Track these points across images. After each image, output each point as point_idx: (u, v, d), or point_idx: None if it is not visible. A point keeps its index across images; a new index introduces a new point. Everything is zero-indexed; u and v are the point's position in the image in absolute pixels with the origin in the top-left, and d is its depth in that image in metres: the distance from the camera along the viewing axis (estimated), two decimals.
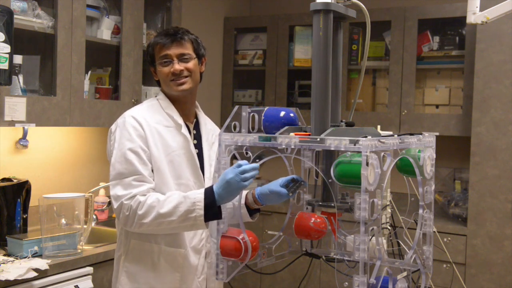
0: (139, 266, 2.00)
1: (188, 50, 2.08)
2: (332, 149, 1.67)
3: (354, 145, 1.59)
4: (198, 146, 2.12)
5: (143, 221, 1.88)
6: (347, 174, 1.67)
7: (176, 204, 1.87)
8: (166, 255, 2.00)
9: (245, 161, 1.79)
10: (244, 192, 2.10)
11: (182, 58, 2.06)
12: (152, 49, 2.09)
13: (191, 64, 2.07)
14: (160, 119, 2.05)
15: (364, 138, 1.57)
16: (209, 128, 2.19)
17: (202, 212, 1.85)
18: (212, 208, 1.84)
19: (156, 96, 2.17)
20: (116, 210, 1.92)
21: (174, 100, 2.11)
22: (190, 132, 2.11)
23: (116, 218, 1.97)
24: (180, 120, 2.08)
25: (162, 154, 2.00)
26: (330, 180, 1.77)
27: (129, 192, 1.90)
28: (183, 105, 2.12)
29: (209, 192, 1.85)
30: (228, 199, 1.83)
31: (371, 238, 1.68)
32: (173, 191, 1.94)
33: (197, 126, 2.16)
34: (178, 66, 2.04)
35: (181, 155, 2.04)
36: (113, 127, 2.05)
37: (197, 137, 2.14)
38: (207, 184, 2.07)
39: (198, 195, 1.86)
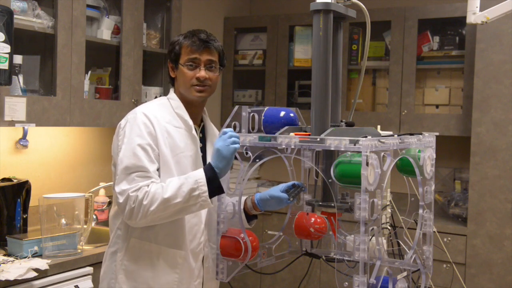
0: (138, 265, 1.99)
1: (216, 59, 2.08)
2: (332, 149, 1.67)
3: (354, 145, 1.59)
4: (203, 149, 2.12)
5: (150, 209, 1.87)
6: (347, 174, 1.67)
7: (179, 186, 1.88)
8: (166, 256, 2.00)
9: (228, 129, 1.89)
10: (243, 198, 2.10)
11: (209, 66, 2.06)
12: (180, 48, 2.07)
13: (214, 75, 2.07)
14: (170, 119, 2.04)
15: (364, 138, 1.57)
16: (213, 134, 2.19)
17: (205, 188, 1.87)
18: (214, 181, 1.88)
19: (165, 96, 2.16)
20: (122, 204, 1.90)
21: (185, 102, 2.10)
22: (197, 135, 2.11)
23: (121, 213, 1.95)
24: (191, 122, 2.07)
25: (170, 154, 1.99)
26: (330, 180, 1.77)
27: (135, 185, 1.90)
28: (193, 108, 2.11)
29: (207, 168, 1.90)
30: (226, 167, 1.89)
31: (371, 238, 1.68)
32: (172, 177, 1.95)
33: (203, 130, 2.17)
34: (204, 73, 2.03)
35: (187, 157, 2.03)
36: (122, 122, 2.03)
37: (202, 141, 2.14)
38: None
39: (198, 172, 1.90)
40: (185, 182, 1.89)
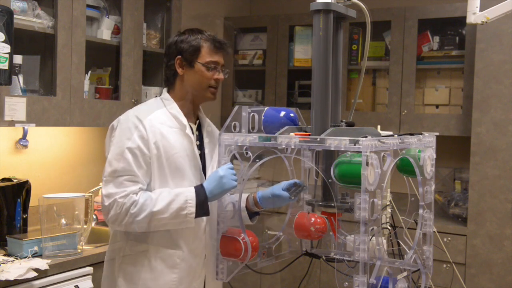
0: (137, 267, 1.99)
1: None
2: (332, 149, 1.67)
3: (354, 145, 1.59)
4: (200, 147, 2.10)
5: (136, 219, 1.88)
6: (347, 174, 1.67)
7: (168, 202, 1.90)
8: (164, 257, 1.99)
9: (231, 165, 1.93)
10: (245, 195, 2.09)
11: (222, 70, 2.10)
12: (199, 48, 2.05)
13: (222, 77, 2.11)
14: (164, 120, 2.02)
15: (364, 138, 1.57)
16: (210, 130, 2.17)
17: (193, 209, 1.91)
18: (203, 205, 1.92)
19: (157, 96, 2.15)
20: (107, 207, 1.90)
21: (188, 101, 2.09)
22: (193, 133, 2.09)
23: (104, 216, 1.95)
24: (185, 121, 2.05)
25: (163, 156, 1.97)
26: (330, 180, 1.77)
27: (122, 190, 1.89)
28: (190, 106, 2.10)
29: (199, 190, 1.92)
30: (219, 195, 1.92)
31: (371, 238, 1.68)
32: (162, 189, 1.96)
33: (199, 128, 2.14)
34: (222, 76, 2.08)
35: (184, 157, 2.01)
36: (115, 123, 2.02)
37: (199, 139, 2.12)
38: None
39: (190, 193, 1.92)
40: (175, 199, 1.91)
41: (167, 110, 2.05)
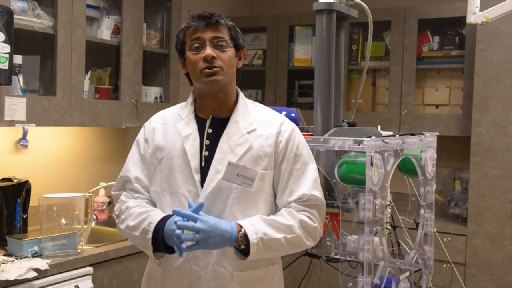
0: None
1: (226, 36, 1.79)
2: (336, 149, 1.67)
3: (358, 145, 1.59)
4: (211, 148, 1.77)
5: (120, 227, 1.80)
6: (351, 175, 1.67)
7: (141, 219, 1.73)
8: (151, 271, 1.86)
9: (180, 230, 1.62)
10: None
11: (217, 44, 1.75)
12: (184, 35, 1.78)
13: (226, 55, 1.76)
14: (168, 118, 1.86)
15: (368, 139, 1.57)
16: (242, 127, 1.80)
17: (150, 236, 1.69)
18: (158, 240, 1.69)
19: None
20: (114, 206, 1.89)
21: (203, 97, 1.81)
22: (204, 129, 1.79)
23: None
24: (184, 114, 1.82)
25: (157, 156, 1.81)
26: (334, 181, 1.77)
27: (119, 192, 1.85)
28: (206, 101, 1.81)
29: (162, 223, 1.69)
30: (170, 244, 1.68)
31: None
32: (148, 206, 1.79)
33: (223, 124, 1.80)
34: (210, 50, 1.72)
35: (171, 157, 1.76)
36: None
37: (215, 137, 1.79)
38: (204, 194, 1.74)
39: (156, 215, 1.72)
40: (146, 217, 1.72)
41: (180, 110, 1.89)
